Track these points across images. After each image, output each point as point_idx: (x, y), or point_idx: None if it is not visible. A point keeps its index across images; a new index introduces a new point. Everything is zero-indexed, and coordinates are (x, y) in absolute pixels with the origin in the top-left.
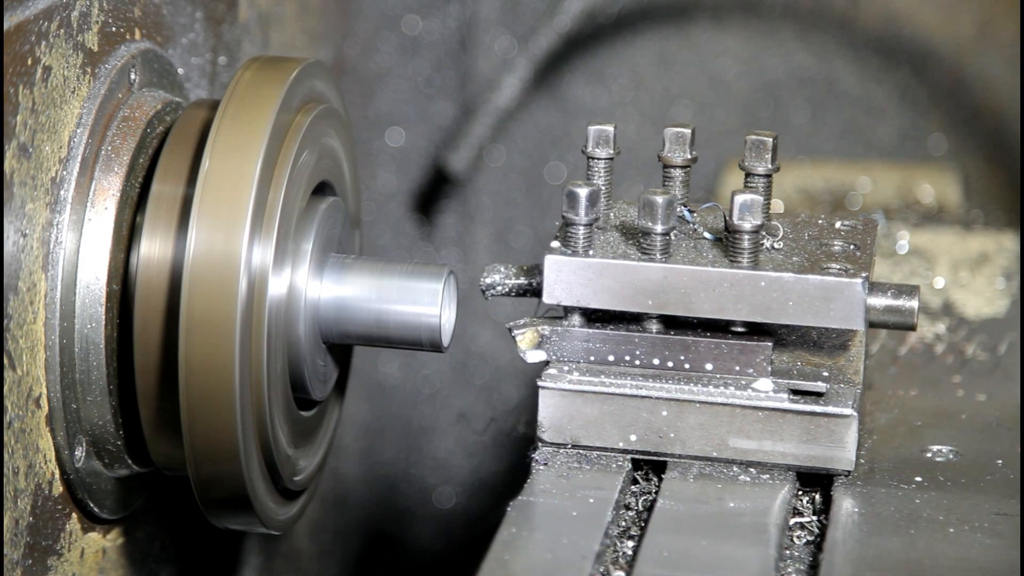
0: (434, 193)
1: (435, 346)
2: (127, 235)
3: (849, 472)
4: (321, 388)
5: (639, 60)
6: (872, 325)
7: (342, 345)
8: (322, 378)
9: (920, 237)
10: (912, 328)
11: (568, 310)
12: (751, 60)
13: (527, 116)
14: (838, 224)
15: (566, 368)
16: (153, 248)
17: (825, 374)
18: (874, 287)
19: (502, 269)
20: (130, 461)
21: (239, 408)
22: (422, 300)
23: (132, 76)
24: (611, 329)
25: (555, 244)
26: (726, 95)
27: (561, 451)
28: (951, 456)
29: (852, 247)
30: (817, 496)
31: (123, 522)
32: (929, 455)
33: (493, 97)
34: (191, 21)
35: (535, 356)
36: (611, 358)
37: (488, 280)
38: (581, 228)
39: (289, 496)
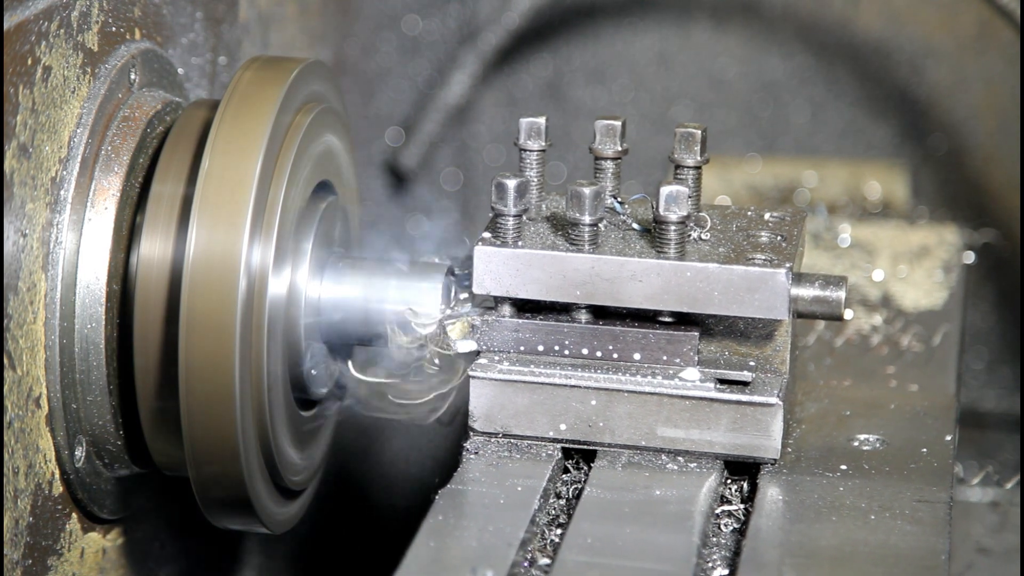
0: (434, 193)
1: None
2: (127, 235)
3: (775, 460)
4: (321, 388)
5: (639, 60)
6: (800, 315)
7: (342, 345)
8: (322, 378)
9: (862, 231)
10: (839, 319)
11: (498, 300)
12: (751, 60)
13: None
14: (767, 216)
15: (496, 358)
16: (153, 248)
17: (751, 363)
18: (801, 278)
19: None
20: (130, 461)
21: (239, 408)
22: (421, 299)
23: (132, 76)
24: (541, 319)
25: (486, 235)
26: (726, 95)
27: (492, 440)
28: (877, 445)
29: (779, 238)
30: (745, 484)
31: (123, 522)
32: (856, 444)
33: (442, 94)
34: (191, 21)
35: (466, 346)
36: (541, 348)
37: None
38: (510, 219)
39: (289, 496)
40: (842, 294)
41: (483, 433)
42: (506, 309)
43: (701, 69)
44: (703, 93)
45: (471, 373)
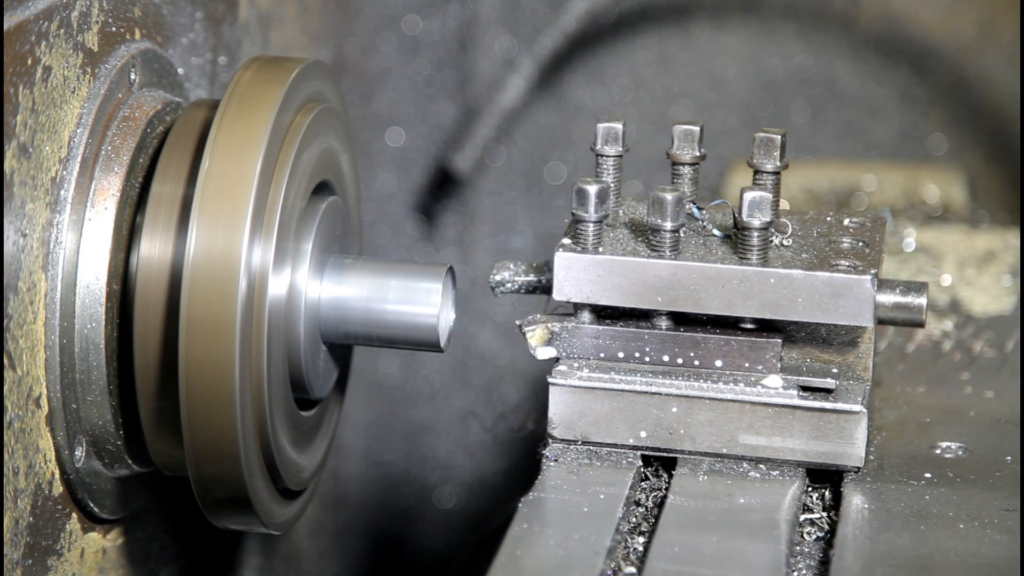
0: (434, 193)
1: (434, 346)
2: (127, 235)
3: (859, 468)
4: (321, 388)
5: (639, 60)
6: (881, 322)
7: (342, 345)
8: (322, 378)
9: (926, 235)
10: (921, 325)
11: (578, 307)
12: (751, 60)
13: (527, 116)
14: (846, 221)
15: (576, 365)
16: (153, 248)
17: (834, 371)
18: (883, 284)
19: (511, 266)
20: (130, 461)
21: (239, 408)
22: (421, 300)
23: (132, 76)
24: (621, 326)
25: (566, 241)
26: (726, 95)
27: (571, 447)
28: (960, 452)
29: (861, 244)
30: (827, 492)
31: (123, 522)
32: (938, 451)
33: (498, 97)
34: (191, 21)
35: (545, 353)
36: (621, 355)
37: (497, 277)
38: (591, 225)
39: (289, 496)
40: (924, 300)
41: (562, 440)
42: (585, 315)
43: (701, 69)
44: (703, 93)
45: (551, 380)
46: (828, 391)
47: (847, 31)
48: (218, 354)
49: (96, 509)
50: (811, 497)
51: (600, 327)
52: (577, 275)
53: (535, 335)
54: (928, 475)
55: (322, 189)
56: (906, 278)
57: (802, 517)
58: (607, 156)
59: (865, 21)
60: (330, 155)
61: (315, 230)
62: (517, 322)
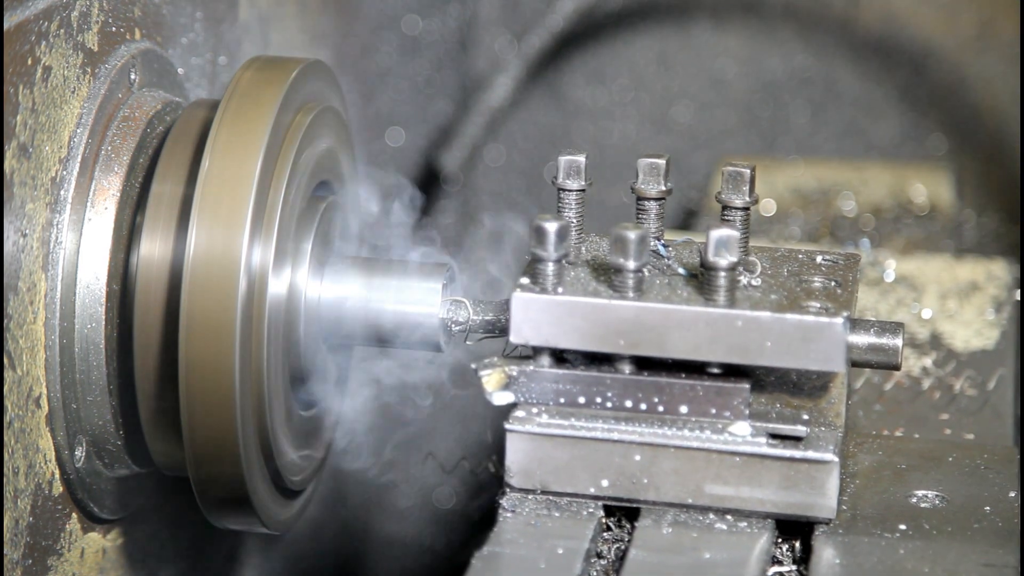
0: (433, 193)
1: (435, 346)
2: (127, 235)
3: (830, 520)
4: (321, 389)
5: (639, 60)
6: (854, 364)
7: (342, 345)
8: (322, 378)
9: (907, 264)
10: (896, 368)
11: (537, 350)
12: (751, 60)
13: (527, 116)
14: (819, 259)
15: (535, 410)
16: (153, 248)
17: (805, 417)
18: (856, 324)
19: (467, 305)
20: (130, 461)
21: (239, 408)
22: (421, 300)
23: (132, 76)
24: (581, 370)
25: (524, 280)
26: (726, 95)
27: (530, 497)
28: (937, 502)
29: (833, 283)
30: (797, 544)
31: (123, 522)
32: (914, 500)
33: (486, 97)
34: (191, 21)
35: (502, 398)
36: (582, 400)
37: (451, 317)
38: (550, 264)
39: (289, 496)
40: (899, 342)
41: (520, 489)
42: (545, 359)
43: (701, 69)
44: (703, 93)
45: (507, 426)
46: (798, 439)
47: (847, 31)
48: (218, 354)
49: (96, 509)
50: (781, 549)
51: (560, 371)
52: (536, 316)
53: (491, 379)
54: (903, 527)
55: (322, 189)
56: (886, 309)
57: (771, 570)
58: (569, 191)
59: (865, 21)
60: (330, 155)
61: (315, 230)
62: (472, 365)
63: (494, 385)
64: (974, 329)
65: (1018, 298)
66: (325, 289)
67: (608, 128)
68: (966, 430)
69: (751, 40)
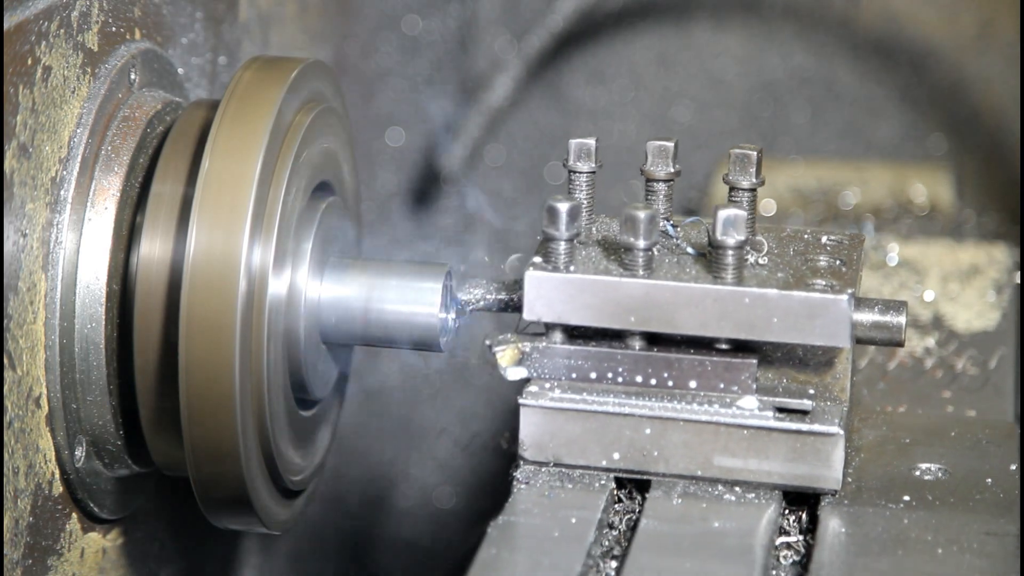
0: (434, 193)
1: (434, 346)
2: (127, 235)
3: (836, 491)
4: (321, 388)
5: (639, 60)
6: (859, 341)
7: (342, 345)
8: (322, 378)
9: (910, 249)
10: (900, 344)
11: (549, 327)
12: (751, 60)
13: (527, 116)
14: (824, 239)
15: (547, 385)
16: (153, 248)
17: (811, 391)
18: (860, 303)
19: (483, 283)
20: (130, 461)
21: (239, 408)
22: (421, 299)
23: (132, 76)
24: (593, 346)
25: (536, 259)
26: (726, 95)
27: (543, 469)
28: (940, 475)
29: (838, 262)
30: (804, 515)
31: (123, 522)
32: (918, 473)
33: (486, 97)
34: (191, 21)
35: (516, 373)
36: (593, 375)
37: (467, 296)
38: (562, 243)
39: (289, 496)
40: (903, 319)
41: (533, 462)
42: (557, 336)
43: (701, 69)
44: (703, 93)
45: (521, 401)
46: (805, 412)
47: (847, 31)
48: (218, 354)
49: (96, 509)
50: (788, 520)
51: (572, 347)
52: (548, 294)
53: (505, 355)
54: (907, 498)
55: (322, 189)
56: (889, 293)
57: (779, 540)
58: (580, 172)
59: (865, 21)
60: (330, 155)
61: (315, 230)
62: (487, 341)
63: (508, 361)
64: (975, 311)
65: (1018, 281)
66: (325, 289)
67: (608, 128)
68: (968, 407)
69: (751, 40)
